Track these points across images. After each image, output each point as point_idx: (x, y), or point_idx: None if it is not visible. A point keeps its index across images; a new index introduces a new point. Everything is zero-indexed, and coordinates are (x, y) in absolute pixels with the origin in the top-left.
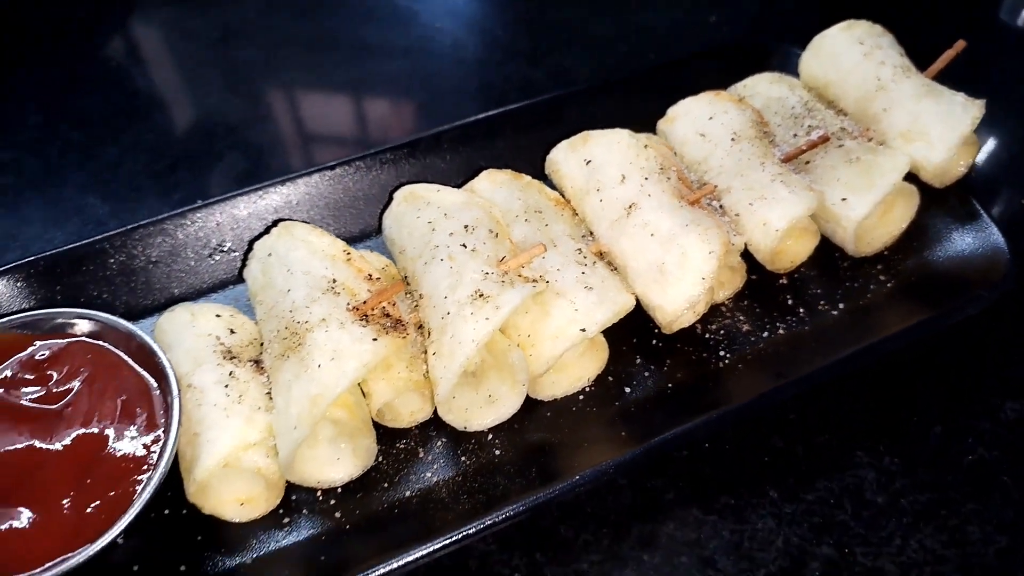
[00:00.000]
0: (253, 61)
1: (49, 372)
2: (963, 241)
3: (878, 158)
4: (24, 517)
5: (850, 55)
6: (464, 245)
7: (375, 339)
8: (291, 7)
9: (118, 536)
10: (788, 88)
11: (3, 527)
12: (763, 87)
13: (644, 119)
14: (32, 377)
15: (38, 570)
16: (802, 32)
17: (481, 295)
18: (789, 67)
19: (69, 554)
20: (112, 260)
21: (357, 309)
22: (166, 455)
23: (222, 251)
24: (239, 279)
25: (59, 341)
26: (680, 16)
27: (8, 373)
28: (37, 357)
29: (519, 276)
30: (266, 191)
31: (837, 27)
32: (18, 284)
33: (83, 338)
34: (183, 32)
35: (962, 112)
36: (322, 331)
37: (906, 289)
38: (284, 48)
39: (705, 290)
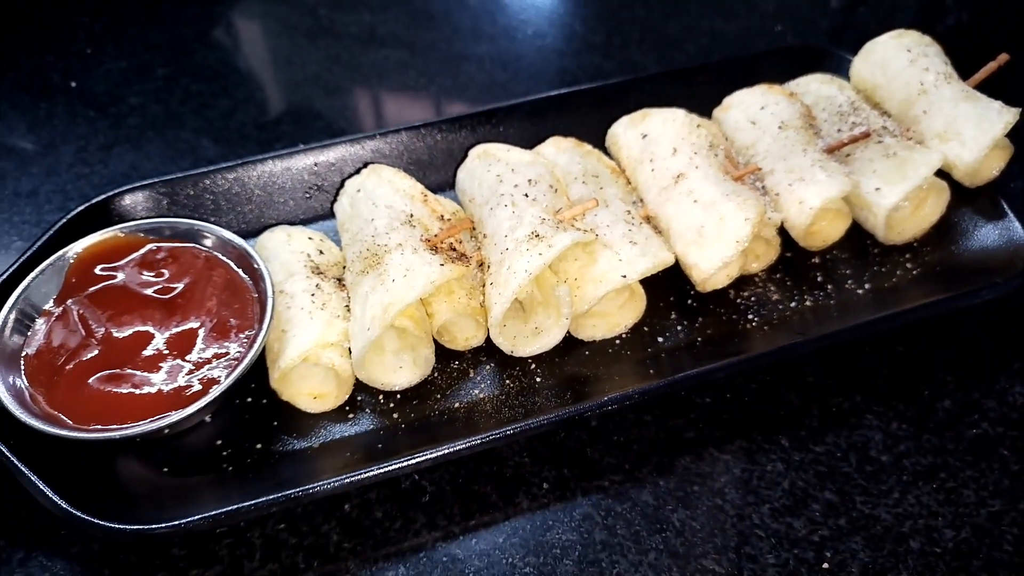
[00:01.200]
0: (355, 35)
1: (163, 269)
2: (988, 237)
3: (913, 154)
4: (137, 383)
5: (898, 60)
6: (526, 195)
7: (442, 264)
8: None
9: (207, 408)
10: (838, 88)
11: (120, 390)
12: (815, 86)
13: (701, 109)
14: (150, 272)
15: (144, 421)
16: (859, 44)
17: (537, 235)
18: (841, 71)
19: (167, 413)
20: (222, 188)
21: (429, 241)
22: (256, 344)
23: (317, 189)
24: (329, 215)
25: (173, 244)
26: (748, 24)
27: (128, 266)
28: (154, 255)
29: (572, 226)
30: (359, 142)
31: (888, 35)
32: (142, 200)
33: (195, 244)
34: (296, 4)
35: (996, 117)
36: (398, 253)
37: (929, 276)
38: (382, 26)
39: (738, 252)
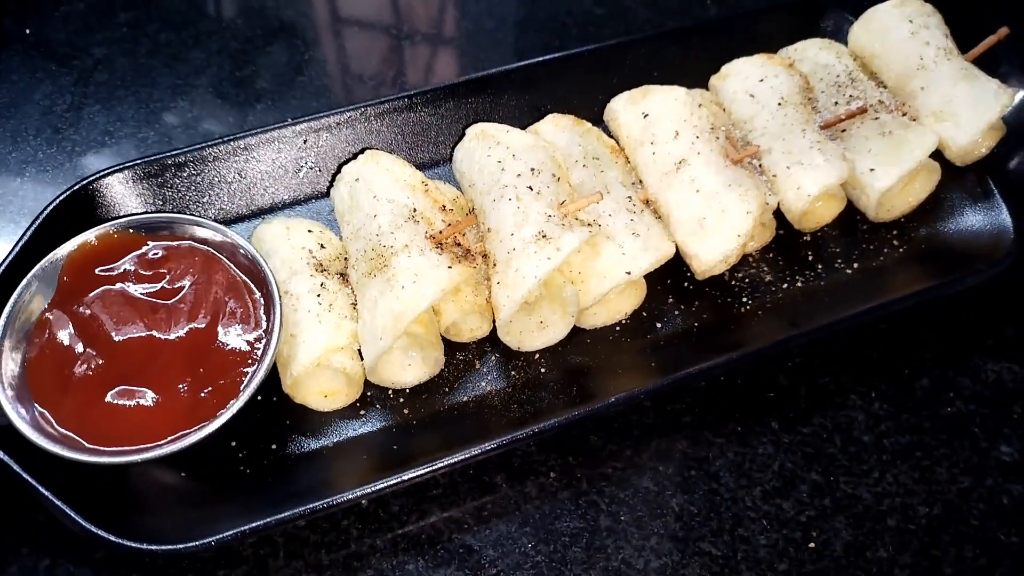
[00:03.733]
0: None
1: (162, 270)
2: (974, 217)
3: (909, 134)
4: (148, 397)
5: (898, 31)
6: (530, 187)
7: (450, 266)
8: None
9: (227, 424)
10: (836, 56)
11: (130, 403)
12: (812, 52)
13: (698, 72)
14: (148, 274)
15: (163, 442)
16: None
17: (544, 236)
18: (840, 31)
19: (187, 430)
20: (208, 168)
21: (434, 238)
22: (271, 351)
23: (308, 168)
24: (322, 196)
25: (170, 243)
26: None
27: (126, 268)
28: (151, 256)
29: (575, 219)
30: (347, 114)
31: (890, 3)
32: (122, 185)
33: (191, 242)
34: None
35: (993, 99)
36: (405, 256)
37: (916, 257)
38: None
39: (739, 246)
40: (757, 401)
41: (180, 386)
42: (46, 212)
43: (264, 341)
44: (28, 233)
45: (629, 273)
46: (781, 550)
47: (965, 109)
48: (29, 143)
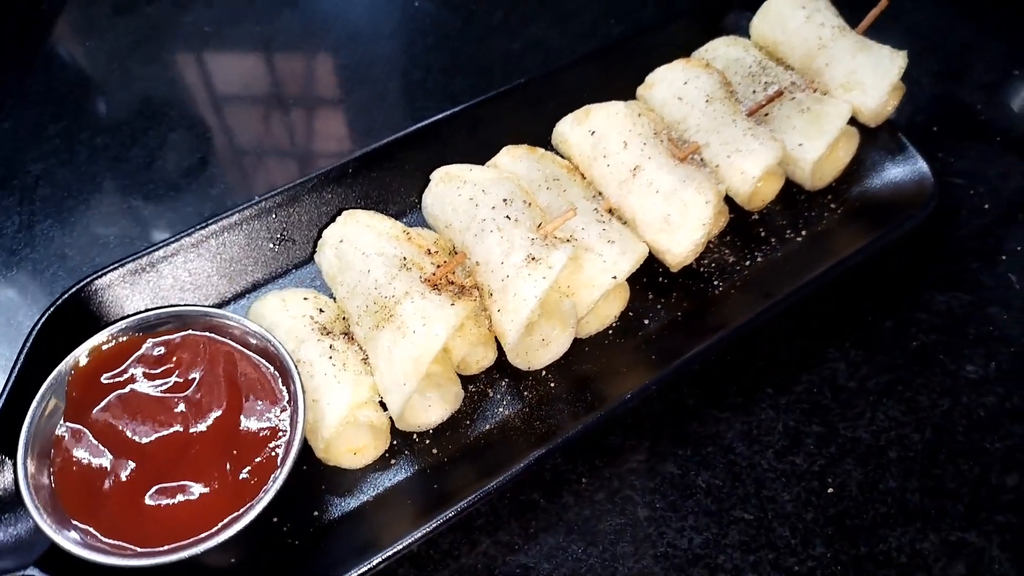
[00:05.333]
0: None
1: (169, 366)
2: (895, 170)
3: (825, 107)
4: (189, 491)
5: (795, 18)
6: (507, 217)
7: (452, 304)
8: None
9: (278, 491)
10: (743, 49)
11: (173, 501)
12: (722, 50)
13: (624, 86)
14: (157, 371)
15: (215, 529)
16: None
17: (533, 258)
18: (740, 28)
19: (237, 513)
20: (183, 260)
21: (428, 281)
22: (300, 416)
23: (284, 240)
24: (300, 264)
25: (170, 336)
26: None
27: (133, 370)
28: (155, 353)
29: (555, 238)
30: (312, 183)
31: None
32: (102, 290)
33: (191, 331)
34: (168, 22)
35: (889, 63)
36: (408, 302)
37: (853, 213)
38: (277, 36)
39: (705, 233)
40: (748, 372)
41: (218, 473)
42: (36, 329)
43: (289, 411)
44: (21, 356)
45: (615, 278)
46: (804, 501)
47: (868, 76)
48: None
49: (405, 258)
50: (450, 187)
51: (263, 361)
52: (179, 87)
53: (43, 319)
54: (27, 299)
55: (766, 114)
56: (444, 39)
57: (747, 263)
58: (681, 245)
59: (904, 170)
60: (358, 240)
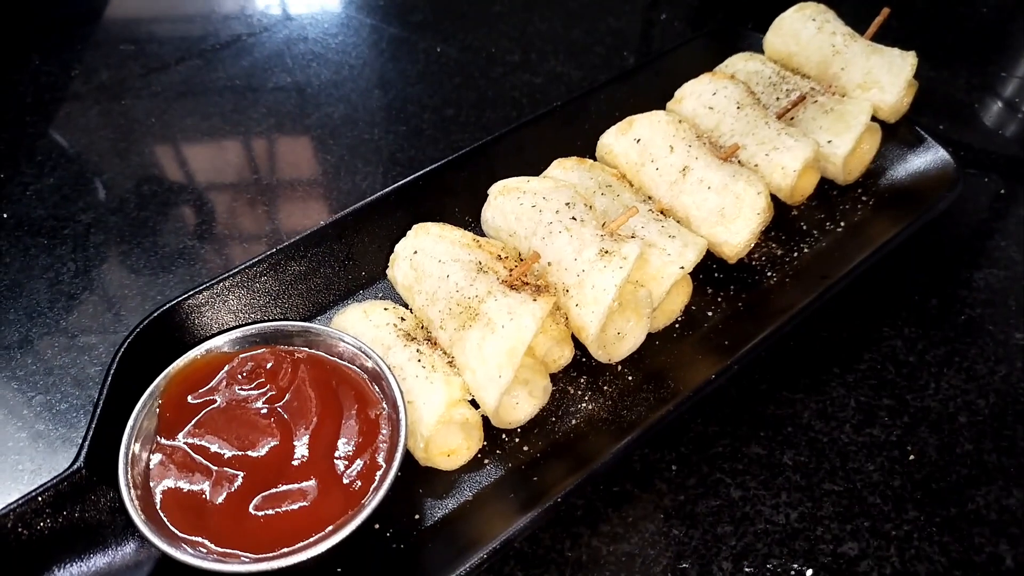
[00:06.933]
0: (266, 127)
1: (261, 380)
2: (918, 160)
3: (847, 106)
4: (295, 498)
5: (807, 29)
6: (574, 218)
7: (534, 299)
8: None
9: (385, 493)
10: (760, 63)
11: (281, 509)
12: (741, 64)
13: (650, 105)
14: (250, 385)
15: (324, 533)
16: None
17: (606, 252)
18: (752, 47)
19: (345, 517)
20: (261, 281)
21: (506, 282)
22: (402, 419)
23: (351, 260)
24: (364, 285)
25: (257, 351)
26: (638, 17)
27: (226, 386)
28: (245, 368)
29: (619, 235)
30: (381, 200)
31: (792, 10)
32: (190, 312)
33: (279, 345)
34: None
35: (902, 62)
36: (492, 300)
37: (884, 203)
38: (307, 87)
39: (761, 222)
40: (812, 355)
41: (321, 480)
42: (120, 352)
43: (387, 414)
44: (109, 377)
45: (682, 268)
46: (889, 469)
47: (884, 75)
48: (45, 315)
49: (480, 263)
50: (510, 198)
51: (355, 368)
52: (229, 120)
53: (124, 345)
54: (91, 341)
55: (791, 119)
56: (469, 79)
57: (795, 254)
58: (739, 235)
59: (925, 159)
60: (433, 250)
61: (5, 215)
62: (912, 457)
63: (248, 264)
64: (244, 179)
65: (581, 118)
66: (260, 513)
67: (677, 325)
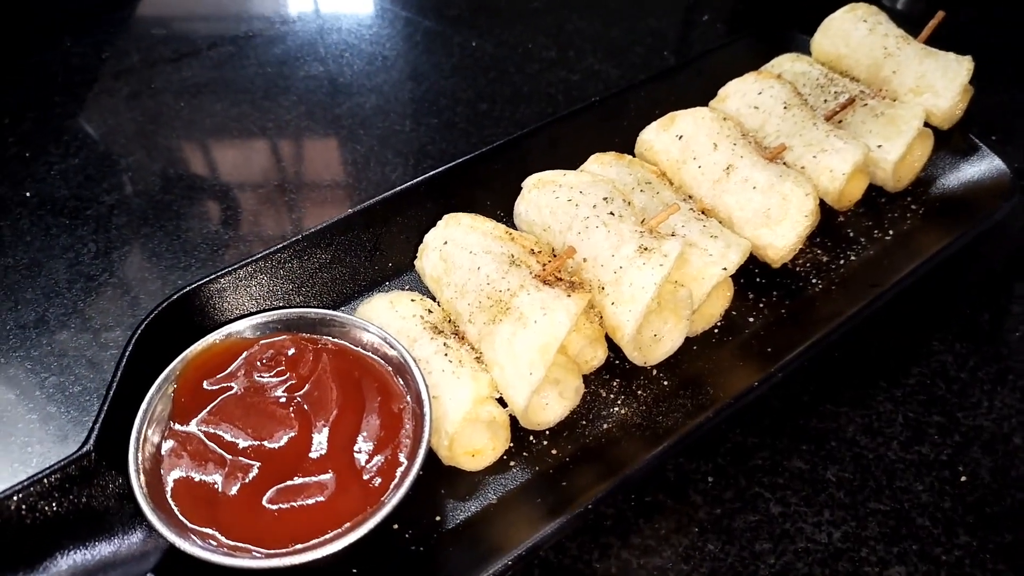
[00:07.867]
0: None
1: (281, 368)
2: (970, 169)
3: (899, 111)
4: (312, 492)
5: (858, 30)
6: (611, 213)
7: (568, 295)
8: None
9: (406, 492)
10: (807, 64)
11: (297, 503)
12: (787, 65)
13: (692, 103)
14: (269, 373)
15: (341, 529)
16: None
17: (645, 249)
18: (797, 48)
19: (365, 514)
20: (286, 265)
21: (539, 276)
22: (426, 413)
23: (377, 251)
24: (389, 276)
25: (277, 338)
26: (679, 18)
27: (244, 373)
28: (265, 356)
29: (659, 232)
30: (411, 190)
31: (842, 11)
32: (208, 296)
33: (300, 333)
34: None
35: (957, 66)
36: (524, 294)
37: (935, 212)
38: (339, 77)
39: (808, 225)
40: (858, 367)
41: (339, 475)
42: (136, 335)
43: (410, 408)
44: (123, 360)
45: (725, 269)
46: (939, 490)
47: (938, 79)
48: (63, 296)
49: (513, 256)
50: (545, 192)
51: (378, 359)
52: (258, 107)
53: (142, 327)
54: (108, 323)
55: (839, 122)
56: (504, 74)
57: (841, 261)
58: (785, 238)
59: (979, 168)
60: (464, 240)
61: (28, 194)
62: (964, 479)
63: (273, 251)
64: (271, 167)
65: (619, 115)
66: (274, 506)
67: (716, 330)
